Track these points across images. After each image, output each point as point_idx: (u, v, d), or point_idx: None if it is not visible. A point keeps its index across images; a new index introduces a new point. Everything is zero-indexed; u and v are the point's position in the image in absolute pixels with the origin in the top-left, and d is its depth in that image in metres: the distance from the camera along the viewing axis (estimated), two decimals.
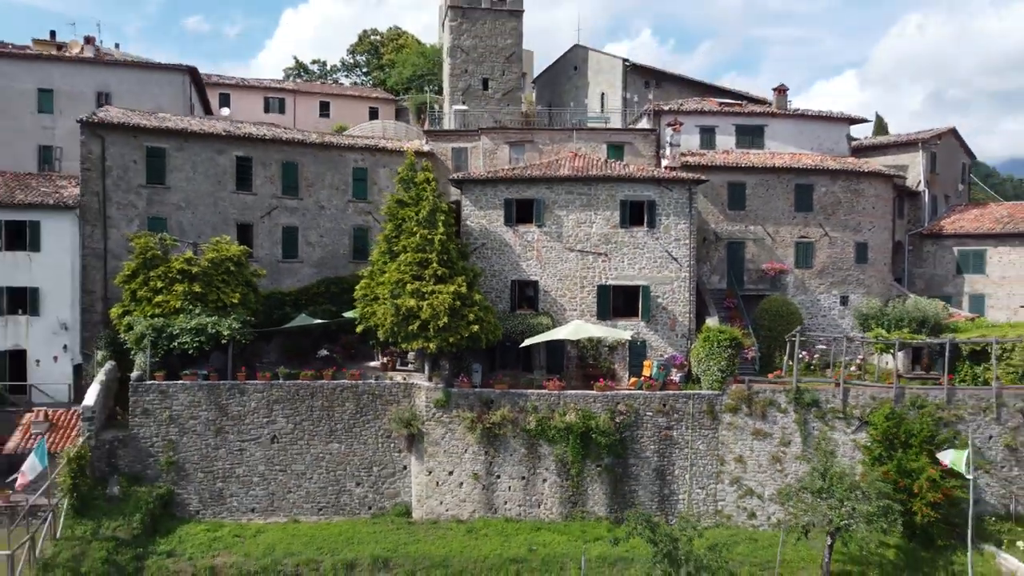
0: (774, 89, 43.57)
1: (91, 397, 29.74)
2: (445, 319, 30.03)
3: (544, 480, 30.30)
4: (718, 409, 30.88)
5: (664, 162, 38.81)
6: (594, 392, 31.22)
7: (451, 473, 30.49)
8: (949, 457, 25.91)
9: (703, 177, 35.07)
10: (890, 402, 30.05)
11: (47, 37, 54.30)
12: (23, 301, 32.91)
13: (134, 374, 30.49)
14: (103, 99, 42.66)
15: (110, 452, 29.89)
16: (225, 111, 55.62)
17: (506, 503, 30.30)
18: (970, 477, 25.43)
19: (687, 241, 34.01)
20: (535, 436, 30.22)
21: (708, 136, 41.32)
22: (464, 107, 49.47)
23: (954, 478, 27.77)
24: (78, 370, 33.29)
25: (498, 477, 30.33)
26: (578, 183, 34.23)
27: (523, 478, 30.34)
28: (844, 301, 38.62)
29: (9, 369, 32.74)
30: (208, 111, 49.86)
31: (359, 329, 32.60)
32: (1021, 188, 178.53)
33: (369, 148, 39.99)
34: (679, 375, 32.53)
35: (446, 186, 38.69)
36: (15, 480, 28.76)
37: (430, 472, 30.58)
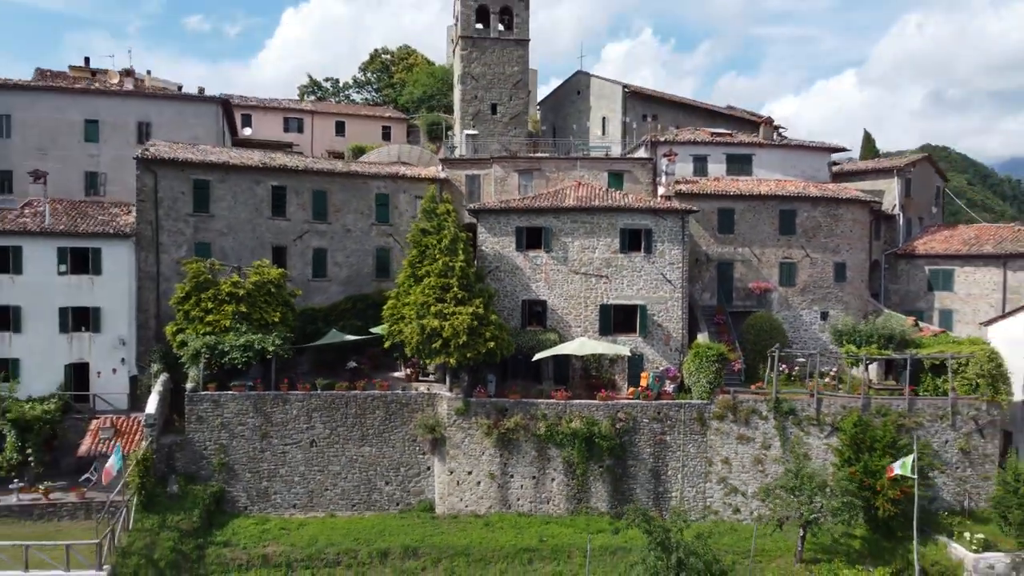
0: (761, 121, 47.90)
1: (152, 406, 34.05)
2: (465, 337, 34.43)
3: (552, 479, 34.68)
4: (707, 416, 35.28)
5: (660, 190, 43.21)
6: (597, 402, 35.55)
7: (470, 473, 34.87)
8: (897, 467, 30.16)
9: (694, 207, 39.37)
10: (858, 411, 34.48)
11: (81, 63, 58.66)
12: (86, 319, 37.14)
13: (189, 385, 34.79)
14: (144, 128, 46.90)
15: (169, 454, 34.23)
16: (247, 131, 59.91)
17: (519, 499, 34.69)
18: (914, 477, 29.77)
19: (680, 265, 38.41)
20: (544, 440, 34.56)
21: (700, 164, 45.62)
22: (475, 131, 53.73)
23: (913, 477, 32.15)
24: (134, 381, 37.58)
25: (512, 476, 34.72)
26: (582, 213, 38.59)
27: (534, 477, 34.72)
28: (824, 316, 42.95)
29: (74, 380, 36.99)
30: (234, 133, 54.11)
31: (387, 344, 37.00)
32: (1019, 189, 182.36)
33: (390, 176, 44.23)
34: (672, 386, 36.92)
35: (461, 210, 42.68)
36: (87, 480, 33.25)
37: (451, 472, 34.96)
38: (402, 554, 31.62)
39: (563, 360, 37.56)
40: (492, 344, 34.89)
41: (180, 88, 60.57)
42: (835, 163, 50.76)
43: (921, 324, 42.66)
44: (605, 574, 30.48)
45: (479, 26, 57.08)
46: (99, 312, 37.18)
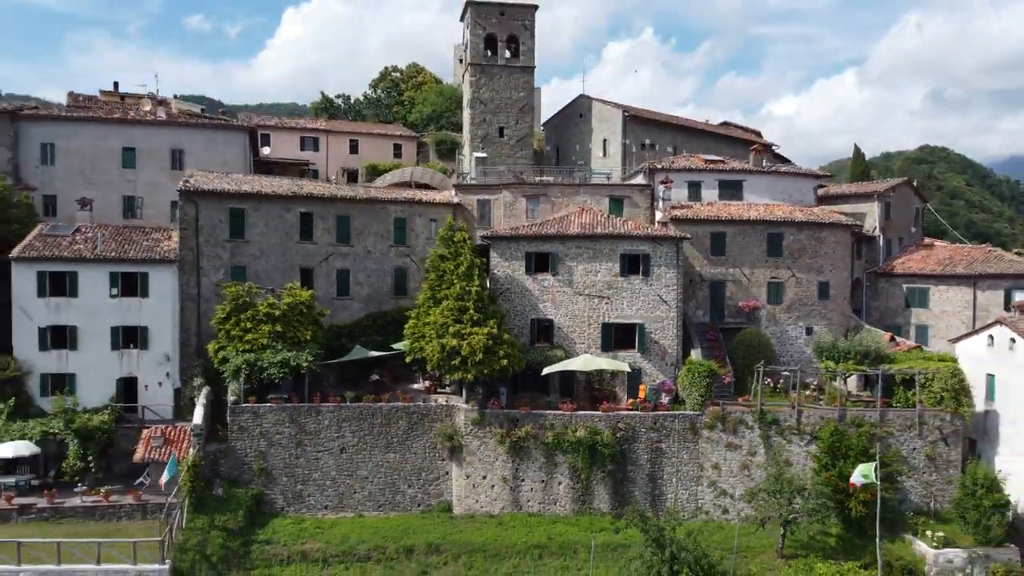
0: (751, 149, 52.22)
1: (198, 417, 38.32)
2: (481, 355, 38.72)
3: (559, 483, 39.04)
4: (699, 426, 39.62)
5: (658, 214, 47.50)
6: (599, 413, 39.85)
7: (485, 477, 39.22)
8: (858, 476, 34.23)
9: (687, 235, 43.70)
10: (834, 421, 38.83)
11: (111, 88, 62.97)
12: (135, 337, 41.39)
13: (231, 398, 39.03)
14: (177, 155, 51.16)
15: (214, 461, 38.53)
16: (266, 150, 64.13)
17: (529, 501, 39.06)
18: (877, 483, 34.08)
19: (675, 287, 42.73)
20: (552, 448, 38.89)
21: (695, 189, 49.91)
22: (483, 154, 57.99)
23: (883, 481, 36.42)
24: (177, 393, 41.84)
25: (522, 480, 39.08)
26: (585, 239, 42.89)
27: (542, 481, 39.08)
28: (809, 332, 47.24)
29: (124, 392, 41.29)
30: (256, 154, 58.28)
31: (408, 359, 41.31)
32: (1017, 190, 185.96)
33: (407, 201, 48.45)
34: (668, 398, 41.27)
35: (473, 232, 46.96)
36: (141, 483, 37.58)
37: (467, 476, 39.30)
38: (426, 550, 35.90)
39: (568, 374, 41.82)
40: (505, 362, 39.16)
41: (203, 110, 64.96)
42: (822, 184, 54.99)
43: (898, 339, 46.92)
44: (607, 568, 34.83)
45: (488, 53, 61.09)
46: (146, 331, 41.41)
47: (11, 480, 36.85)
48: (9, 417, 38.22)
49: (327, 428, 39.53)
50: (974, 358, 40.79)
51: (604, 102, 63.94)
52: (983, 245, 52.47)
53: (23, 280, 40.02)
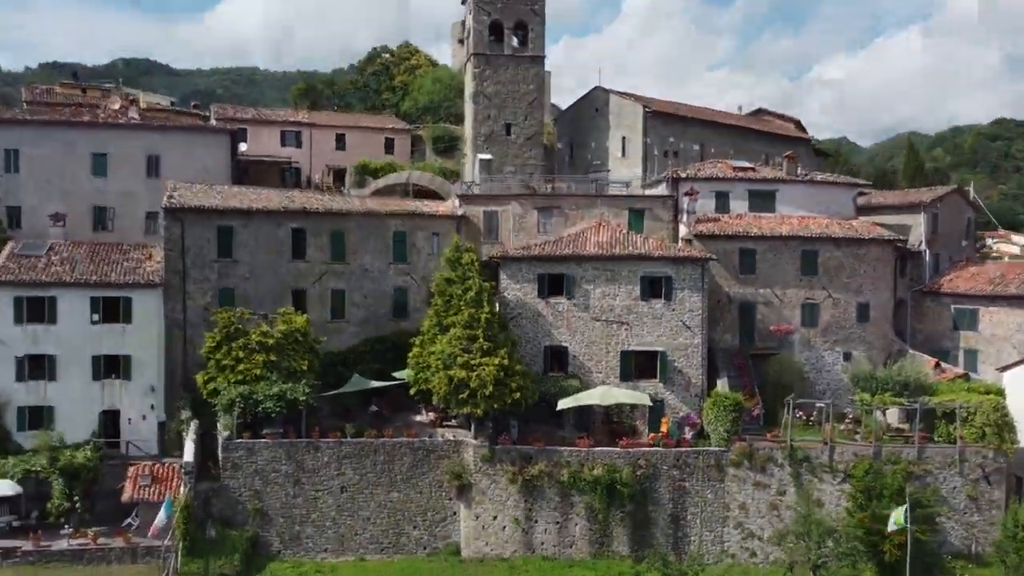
0: (785, 156, 57.05)
1: (189, 454, 43.07)
2: (491, 388, 43.49)
3: (575, 524, 43.94)
4: (724, 463, 44.42)
5: (682, 229, 52.31)
6: (618, 449, 44.46)
7: (495, 518, 44.14)
8: (892, 524, 39.00)
9: (713, 255, 48.66)
10: (869, 458, 43.68)
11: (70, 79, 67.76)
12: (117, 367, 46.13)
13: (224, 434, 43.73)
14: (152, 162, 55.72)
15: (206, 500, 43.29)
16: (243, 146, 68.40)
17: (543, 544, 43.99)
18: (909, 527, 38.97)
19: (700, 312, 47.60)
20: (568, 487, 43.70)
21: (722, 200, 54.62)
22: (489, 156, 62.69)
23: (921, 523, 41.20)
24: (162, 427, 46.62)
25: (536, 521, 43.99)
26: (603, 261, 47.75)
27: (557, 522, 44.00)
28: (847, 357, 51.97)
29: (106, 426, 46.12)
30: (235, 155, 62.57)
31: (413, 391, 46.13)
32: None
33: (408, 214, 53.21)
34: (691, 432, 46.14)
35: (478, 245, 51.58)
36: (129, 525, 42.47)
37: (477, 517, 44.20)
38: None
39: (585, 406, 46.69)
40: (517, 394, 43.98)
41: (173, 103, 69.71)
42: (862, 193, 59.84)
43: (944, 365, 51.70)
44: None
45: (493, 40, 65.55)
46: (129, 360, 46.21)
47: None
48: None
49: (326, 465, 44.03)
50: None
51: (623, 95, 68.62)
52: None
53: None
